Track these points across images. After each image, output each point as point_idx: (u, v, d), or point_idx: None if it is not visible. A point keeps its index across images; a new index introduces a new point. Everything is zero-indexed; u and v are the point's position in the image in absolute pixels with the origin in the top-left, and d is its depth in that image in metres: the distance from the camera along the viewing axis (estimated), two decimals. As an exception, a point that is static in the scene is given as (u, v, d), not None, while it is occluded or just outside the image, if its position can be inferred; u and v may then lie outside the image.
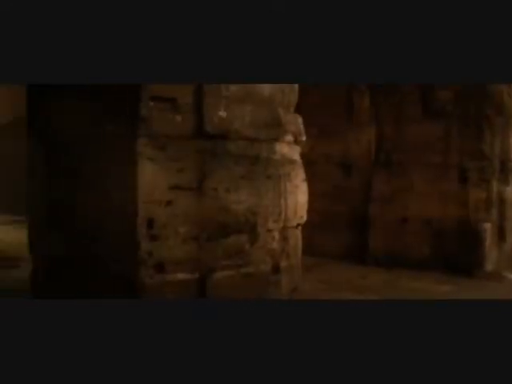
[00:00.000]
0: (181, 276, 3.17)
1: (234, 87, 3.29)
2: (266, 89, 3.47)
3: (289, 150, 3.64)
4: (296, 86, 3.72)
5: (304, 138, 3.78)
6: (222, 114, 3.23)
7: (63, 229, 3.68)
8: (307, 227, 3.88)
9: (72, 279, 3.63)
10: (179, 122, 3.09)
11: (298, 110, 3.78)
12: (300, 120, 3.75)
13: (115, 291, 3.19)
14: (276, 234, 3.57)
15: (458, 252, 6.46)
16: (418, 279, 6.10)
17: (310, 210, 3.86)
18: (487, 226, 6.40)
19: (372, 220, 7.02)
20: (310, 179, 3.84)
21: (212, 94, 3.20)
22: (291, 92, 3.67)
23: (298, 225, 3.77)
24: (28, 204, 4.29)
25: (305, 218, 3.83)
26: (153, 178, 3.00)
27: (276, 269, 3.60)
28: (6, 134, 14.62)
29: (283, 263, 3.64)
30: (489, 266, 6.38)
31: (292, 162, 3.65)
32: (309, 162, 4.09)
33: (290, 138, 3.63)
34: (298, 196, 3.70)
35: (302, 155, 3.80)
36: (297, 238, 3.78)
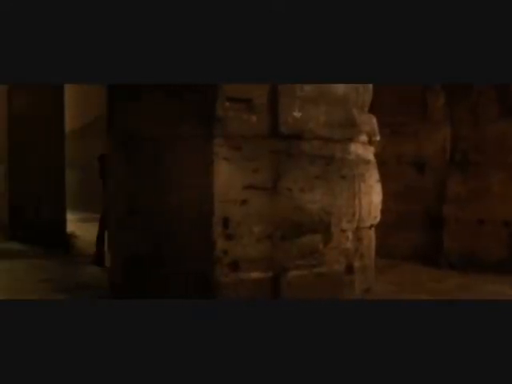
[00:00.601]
0: (255, 275, 3.20)
1: (308, 87, 3.29)
2: (340, 89, 3.45)
3: (363, 150, 3.61)
4: (370, 85, 3.69)
5: (378, 138, 3.75)
6: (297, 114, 3.24)
7: (141, 228, 3.79)
8: (379, 228, 3.84)
9: (148, 277, 3.73)
10: (254, 122, 3.12)
11: (371, 109, 3.75)
12: (374, 120, 3.72)
13: (190, 289, 3.25)
14: (350, 234, 3.54)
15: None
16: (494, 282, 5.91)
17: (381, 210, 3.82)
18: None
19: (446, 221, 6.85)
20: (382, 179, 3.80)
21: (287, 95, 3.22)
22: (365, 92, 3.64)
23: (372, 225, 3.74)
24: (108, 203, 4.44)
25: (378, 219, 3.79)
26: (228, 177, 3.05)
27: (349, 269, 3.57)
28: (87, 134, 15.18)
29: (357, 263, 3.61)
30: None
31: (366, 162, 3.62)
32: (380, 162, 4.04)
33: (364, 138, 3.60)
34: (372, 196, 3.67)
35: (375, 155, 3.77)
36: (370, 238, 3.75)
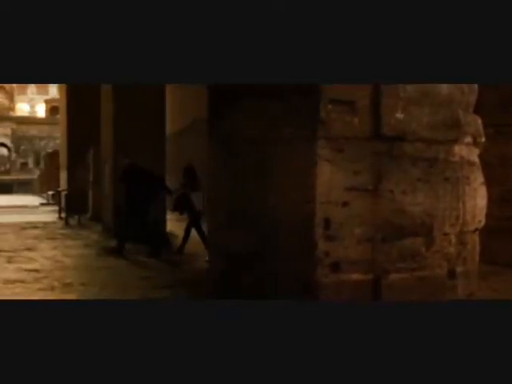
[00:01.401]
0: (355, 276, 3.20)
1: (411, 88, 3.25)
2: (444, 89, 3.38)
3: (468, 151, 3.52)
4: (475, 85, 3.59)
5: (483, 140, 3.64)
6: (399, 115, 3.21)
7: (241, 228, 3.87)
8: (480, 232, 3.73)
9: (248, 277, 3.81)
10: (357, 124, 3.12)
11: (474, 109, 3.65)
12: (480, 121, 3.62)
13: (290, 289, 3.30)
14: (453, 238, 3.46)
15: None
16: None
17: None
18: None
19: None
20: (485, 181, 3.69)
21: (389, 96, 3.19)
22: (471, 92, 3.54)
23: (476, 229, 3.63)
24: (208, 204, 4.57)
25: (483, 223, 3.68)
26: (330, 179, 3.06)
27: (452, 273, 3.49)
28: (184, 137, 15.62)
29: (459, 268, 3.52)
30: None
31: (471, 164, 3.53)
32: (483, 164, 3.92)
33: (468, 139, 3.51)
34: (477, 200, 3.57)
35: (478, 157, 3.67)
36: (474, 242, 3.64)
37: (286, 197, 3.31)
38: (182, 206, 8.38)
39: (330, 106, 3.06)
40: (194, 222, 8.37)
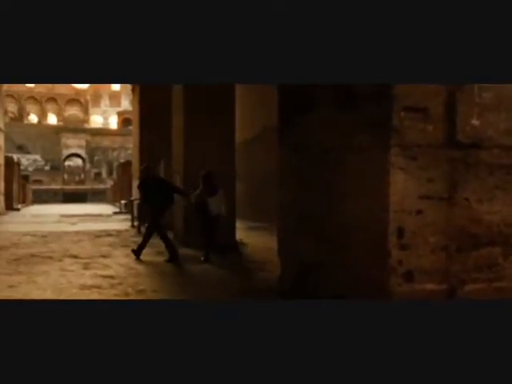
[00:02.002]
0: (429, 286, 3.15)
1: (487, 94, 3.19)
2: (521, 94, 3.30)
3: (547, 158, 3.40)
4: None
5: None
6: (475, 122, 3.15)
7: (313, 235, 3.89)
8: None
9: (319, 283, 3.82)
10: (430, 131, 3.08)
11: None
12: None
13: (362, 296, 3.28)
14: (532, 248, 3.35)
15: None
16: None
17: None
18: None
19: None
20: None
21: (464, 102, 3.14)
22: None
23: (558, 239, 3.50)
24: (279, 212, 4.60)
25: None
26: (404, 187, 3.03)
27: (532, 285, 3.38)
28: (254, 146, 15.79)
29: (540, 279, 3.40)
30: None
31: (551, 171, 3.41)
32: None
33: (548, 145, 3.40)
34: (558, 208, 3.44)
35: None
36: (556, 253, 3.51)
37: (359, 205, 3.31)
38: (201, 210, 8.73)
39: (403, 114, 3.03)
40: (209, 225, 8.74)
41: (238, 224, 10.87)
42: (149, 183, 9.11)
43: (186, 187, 9.98)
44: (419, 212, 3.08)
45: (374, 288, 3.17)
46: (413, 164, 3.05)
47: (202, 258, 8.77)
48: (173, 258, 8.73)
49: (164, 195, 9.03)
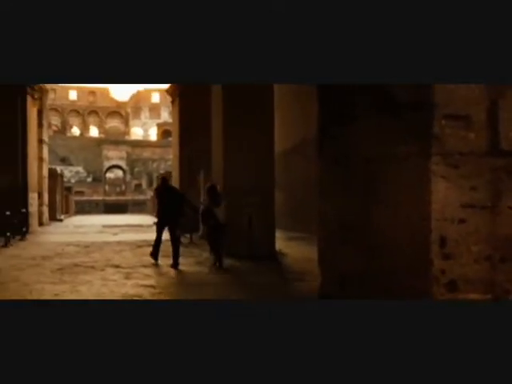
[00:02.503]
0: (473, 296, 3.10)
1: (530, 100, 3.14)
2: None
3: None
4: None
5: None
6: (518, 129, 3.10)
7: (354, 245, 3.87)
8: None
9: (360, 292, 3.80)
10: (472, 139, 3.05)
11: None
12: None
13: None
14: None
15: None
16: None
17: None
18: None
19: None
20: None
21: (507, 109, 3.09)
22: None
23: None
24: (319, 222, 4.59)
25: None
26: (445, 195, 3.01)
27: None
28: (293, 156, 15.81)
29: None
30: None
31: None
32: None
33: None
34: None
35: None
36: None
37: (401, 214, 3.28)
38: (207, 219, 9.73)
39: (443, 122, 3.01)
40: (216, 233, 9.58)
41: (278, 234, 10.87)
42: (163, 193, 10.46)
43: (226, 197, 10.07)
44: (462, 221, 3.04)
45: (417, 298, 3.14)
46: (454, 172, 3.02)
47: (217, 264, 9.35)
48: (175, 264, 9.50)
49: (176, 205, 10.21)
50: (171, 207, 10.20)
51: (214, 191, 9.70)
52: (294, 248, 11.48)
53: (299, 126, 15.51)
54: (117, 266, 9.35)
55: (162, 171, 42.00)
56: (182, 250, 11.67)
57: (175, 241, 9.93)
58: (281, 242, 11.28)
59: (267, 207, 10.17)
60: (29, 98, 17.33)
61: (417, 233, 3.13)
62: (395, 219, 3.33)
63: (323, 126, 4.36)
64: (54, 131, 60.04)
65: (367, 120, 3.59)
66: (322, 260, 4.53)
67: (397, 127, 3.29)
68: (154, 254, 10.17)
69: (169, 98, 23.58)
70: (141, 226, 16.95)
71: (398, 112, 3.28)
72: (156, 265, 9.81)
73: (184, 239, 13.52)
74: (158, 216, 10.68)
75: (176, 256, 9.58)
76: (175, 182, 18.16)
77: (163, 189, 10.58)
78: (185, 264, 9.14)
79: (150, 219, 25.67)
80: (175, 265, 9.44)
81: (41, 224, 20.27)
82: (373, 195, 3.54)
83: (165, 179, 11.08)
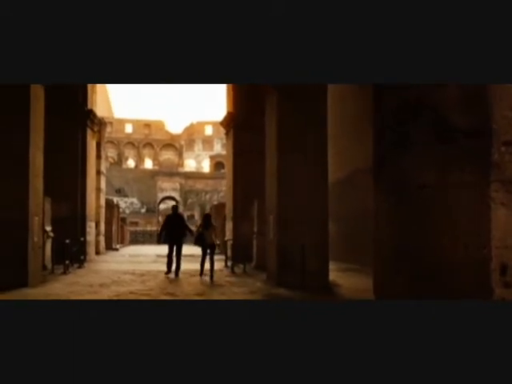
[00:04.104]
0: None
1: None
2: None
3: None
4: None
5: None
6: None
7: (410, 274, 3.86)
8: None
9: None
10: (533, 166, 3.04)
11: None
12: None
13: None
14: None
15: None
16: None
17: None
18: None
19: None
20: None
21: None
22: None
23: None
24: (374, 251, 4.59)
25: None
26: (506, 222, 3.00)
27: None
28: (345, 187, 15.79)
29: None
30: None
31: None
32: None
33: None
34: None
35: None
36: None
37: (458, 242, 3.27)
38: (199, 240, 12.61)
39: (503, 148, 3.02)
40: (205, 252, 12.55)
41: (331, 265, 10.82)
42: (172, 217, 13.75)
43: (279, 227, 10.18)
44: (523, 249, 3.02)
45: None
46: (515, 199, 3.01)
47: (209, 279, 11.67)
48: (176, 274, 12.71)
49: (180, 228, 13.47)
50: (178, 229, 13.37)
51: (207, 219, 12.94)
52: (347, 279, 11.40)
53: (351, 156, 15.51)
54: (171, 294, 9.47)
55: (215, 202, 42.44)
56: (235, 279, 11.76)
57: (179, 255, 13.20)
58: (334, 273, 11.22)
59: (321, 237, 10.16)
60: (88, 131, 17.93)
61: (476, 261, 3.11)
62: (453, 247, 3.32)
63: (379, 154, 4.39)
64: (111, 163, 61.64)
65: (423, 148, 3.61)
66: (377, 289, 4.52)
67: (453, 154, 3.31)
68: (169, 265, 13.11)
69: (222, 131, 23.83)
70: (193, 255, 17.13)
71: (455, 139, 3.30)
72: (168, 273, 12.89)
73: (237, 269, 13.60)
74: (167, 237, 13.52)
75: (178, 268, 12.89)
76: (229, 212, 18.33)
77: (173, 215, 13.83)
78: (238, 293, 9.19)
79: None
80: (176, 274, 12.69)
81: (97, 253, 20.71)
82: (429, 223, 3.54)
83: (175, 207, 14.44)
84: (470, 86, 3.26)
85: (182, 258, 13.52)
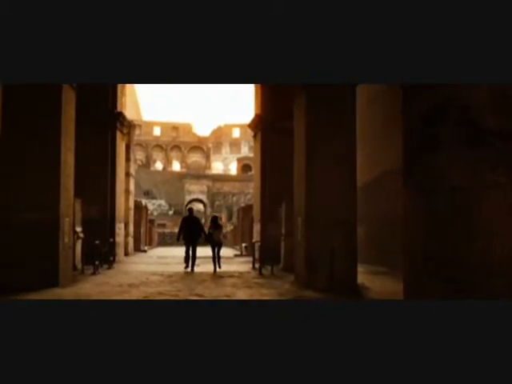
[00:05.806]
0: None
1: None
2: None
3: None
4: None
5: None
6: None
7: (441, 277, 3.82)
8: None
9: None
10: None
11: None
12: None
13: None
14: None
15: None
16: None
17: None
18: None
19: None
20: None
21: None
22: None
23: None
24: (404, 254, 4.56)
25: None
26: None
27: None
28: (374, 189, 15.69)
29: None
30: None
31: None
32: None
33: None
34: None
35: None
36: None
37: (492, 244, 3.24)
38: (209, 239, 14.69)
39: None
40: (213, 247, 14.59)
41: (359, 268, 10.76)
42: (188, 220, 15.27)
43: (307, 230, 10.16)
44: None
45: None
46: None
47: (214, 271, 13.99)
48: (192, 269, 14.47)
49: (196, 229, 15.02)
50: (194, 230, 14.90)
51: (215, 220, 15.08)
52: (375, 282, 11.31)
53: (380, 158, 15.41)
54: (200, 296, 9.51)
55: (242, 204, 42.53)
56: (263, 281, 11.77)
57: (194, 253, 14.76)
58: (362, 276, 11.15)
59: (349, 240, 10.12)
60: (118, 133, 18.12)
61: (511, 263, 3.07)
62: (487, 250, 3.29)
63: (408, 156, 4.36)
64: (139, 165, 62.20)
65: (453, 149, 3.58)
66: (407, 293, 4.48)
67: (484, 155, 3.27)
68: (186, 261, 14.89)
69: (249, 133, 23.85)
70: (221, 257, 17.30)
71: (486, 140, 3.26)
72: (186, 268, 14.79)
73: (265, 271, 13.61)
74: (184, 237, 15.03)
75: (193, 264, 14.59)
76: (256, 214, 18.35)
77: (189, 217, 15.40)
78: (267, 295, 9.19)
79: (230, 251, 25.99)
80: (192, 269, 14.41)
81: (126, 254, 20.90)
82: (461, 225, 3.50)
83: (191, 210, 16.05)
84: (501, 86, 3.23)
85: (211, 259, 14.13)
